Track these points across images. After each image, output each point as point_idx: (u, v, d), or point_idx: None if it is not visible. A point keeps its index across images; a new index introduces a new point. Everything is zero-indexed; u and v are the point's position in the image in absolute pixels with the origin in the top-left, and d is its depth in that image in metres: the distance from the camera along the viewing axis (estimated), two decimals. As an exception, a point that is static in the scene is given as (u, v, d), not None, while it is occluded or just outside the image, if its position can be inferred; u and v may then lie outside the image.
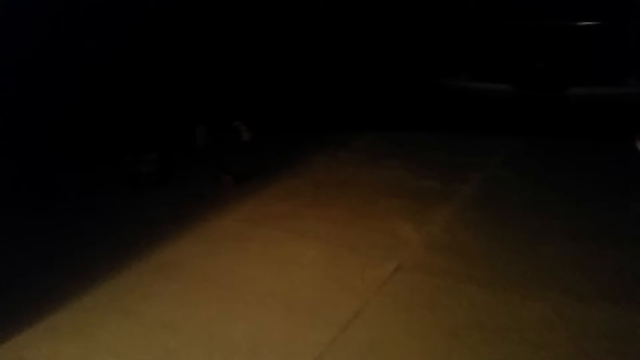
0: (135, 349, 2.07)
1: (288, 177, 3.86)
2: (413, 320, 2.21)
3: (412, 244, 2.85)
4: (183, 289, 2.46)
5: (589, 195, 3.35)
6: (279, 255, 2.78)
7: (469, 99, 7.05)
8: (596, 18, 7.52)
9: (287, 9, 5.82)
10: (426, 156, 4.28)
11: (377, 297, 2.38)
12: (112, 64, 4.27)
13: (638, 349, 1.98)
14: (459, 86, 7.36)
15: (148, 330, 2.18)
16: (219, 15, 5.07)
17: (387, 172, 3.95)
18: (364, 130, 5.03)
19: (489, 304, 2.29)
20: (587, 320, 2.15)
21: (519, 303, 2.28)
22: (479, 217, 3.15)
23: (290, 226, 3.10)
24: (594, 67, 7.23)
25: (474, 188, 3.58)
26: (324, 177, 3.91)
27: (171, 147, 4.08)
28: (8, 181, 3.62)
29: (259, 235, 3.01)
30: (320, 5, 6.25)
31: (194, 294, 2.43)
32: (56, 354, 2.05)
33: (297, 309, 2.31)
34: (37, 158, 3.90)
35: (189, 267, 2.67)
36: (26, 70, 3.81)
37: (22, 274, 2.62)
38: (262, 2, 5.53)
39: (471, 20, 7.70)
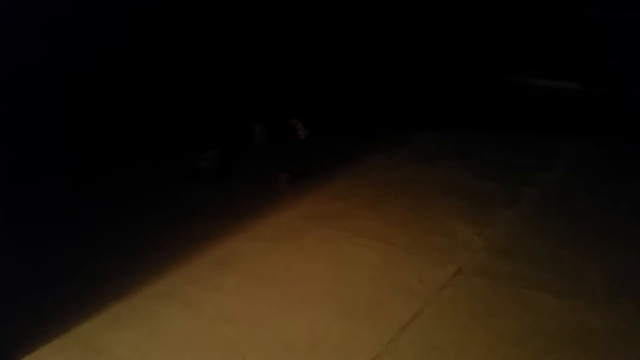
0: (196, 338, 2.13)
1: (344, 176, 3.85)
2: (474, 325, 2.14)
3: (473, 247, 2.77)
4: (241, 282, 2.51)
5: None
6: (335, 253, 2.78)
7: (535, 97, 6.79)
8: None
9: (348, 6, 5.81)
10: (488, 156, 4.16)
11: (436, 300, 2.32)
12: (176, 62, 4.43)
13: None
14: (524, 83, 7.11)
15: (208, 321, 2.23)
16: (278, 13, 5.13)
17: (446, 173, 3.87)
18: (423, 129, 4.94)
19: (555, 311, 2.19)
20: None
21: (588, 311, 2.16)
22: (546, 221, 3.01)
23: (346, 225, 3.09)
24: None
25: (539, 190, 3.44)
26: (381, 176, 3.87)
27: (231, 144, 4.17)
28: (72, 175, 3.84)
29: (315, 233, 3.01)
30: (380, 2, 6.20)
31: (252, 288, 2.47)
32: (120, 340, 2.13)
33: (354, 308, 2.29)
34: (106, 152, 4.11)
35: (247, 261, 2.71)
36: (96, 68, 4.02)
37: (91, 262, 2.75)
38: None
39: (537, 14, 7.40)
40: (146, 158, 4.25)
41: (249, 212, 3.28)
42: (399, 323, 2.16)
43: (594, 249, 2.66)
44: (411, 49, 6.41)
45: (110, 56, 4.09)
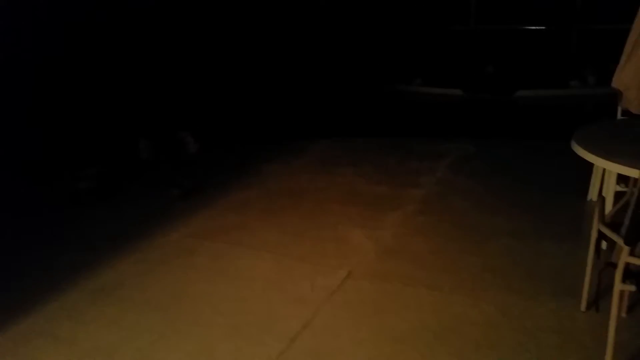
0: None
1: (239, 189, 3.80)
2: (361, 327, 2.18)
3: (363, 251, 2.83)
4: (121, 313, 2.35)
5: (532, 195, 3.43)
6: (228, 269, 2.71)
7: (422, 104, 7.21)
8: (542, 23, 7.84)
9: (239, 19, 5.79)
10: (379, 162, 4.30)
11: (326, 306, 2.34)
12: (45, 73, 4.09)
13: (579, 342, 2.01)
14: (411, 91, 7.52)
15: (82, 356, 2.06)
16: (160, 23, 4.97)
17: (341, 179, 3.95)
18: (320, 138, 5.02)
19: (436, 305, 2.29)
20: (529, 317, 2.17)
21: (465, 302, 2.29)
22: (429, 220, 3.17)
23: (240, 239, 3.03)
24: (541, 71, 7.53)
25: (424, 192, 3.61)
26: (276, 187, 3.87)
27: (112, 161, 3.94)
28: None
29: (207, 250, 2.93)
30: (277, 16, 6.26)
31: (134, 316, 2.32)
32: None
33: (245, 324, 2.24)
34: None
35: (129, 289, 2.55)
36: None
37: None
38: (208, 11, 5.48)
39: (422, 27, 7.89)
40: (28, 179, 3.89)
41: (134, 233, 3.12)
42: (290, 334, 2.14)
43: (470, 244, 2.83)
44: (304, 60, 6.52)
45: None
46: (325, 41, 7.06)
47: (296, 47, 6.46)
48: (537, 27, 7.86)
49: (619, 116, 2.93)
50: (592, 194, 3.24)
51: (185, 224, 3.25)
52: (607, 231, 1.87)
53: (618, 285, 1.73)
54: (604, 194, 2.78)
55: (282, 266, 2.72)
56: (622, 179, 2.68)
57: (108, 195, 3.66)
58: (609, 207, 2.59)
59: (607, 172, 2.82)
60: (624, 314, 2.12)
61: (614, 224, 1.86)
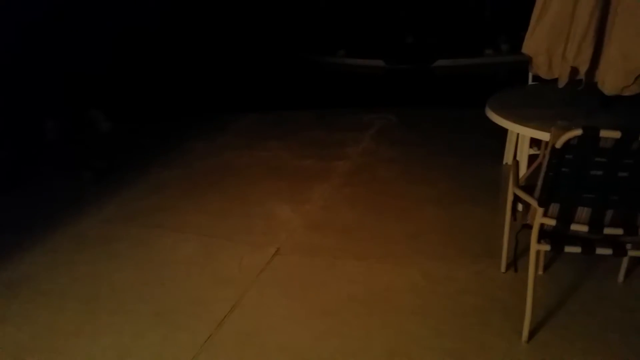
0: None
1: (159, 168, 3.61)
2: (291, 303, 2.15)
3: (291, 226, 2.79)
4: (33, 308, 2.17)
5: (453, 163, 3.54)
6: (150, 255, 2.58)
7: (346, 75, 7.21)
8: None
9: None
10: (305, 135, 4.25)
11: (255, 286, 2.29)
12: None
13: (500, 301, 2.10)
14: (336, 62, 7.50)
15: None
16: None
17: (267, 154, 3.86)
18: (244, 112, 4.88)
19: (364, 276, 2.31)
20: (453, 280, 2.24)
21: (391, 271, 2.33)
22: (355, 191, 3.18)
23: (162, 222, 2.89)
24: (458, 40, 7.75)
25: (350, 164, 3.61)
26: (200, 165, 3.72)
27: (15, 144, 3.59)
28: None
29: (127, 235, 2.76)
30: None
31: (49, 311, 2.15)
32: None
33: (170, 311, 2.14)
34: None
35: (40, 282, 2.36)
36: None
37: None
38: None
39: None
40: None
41: (46, 221, 2.88)
42: (217, 317, 2.07)
43: (395, 213, 2.88)
44: (227, 30, 6.27)
45: None
46: (249, 12, 6.83)
47: (218, 15, 6.19)
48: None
49: (530, 82, 3.06)
50: (508, 158, 3.39)
51: (101, 209, 3.05)
52: (521, 194, 1.94)
53: (534, 246, 1.80)
54: (517, 158, 2.91)
55: (208, 247, 2.62)
56: (534, 142, 2.81)
57: (14, 180, 3.34)
58: (523, 170, 2.72)
59: (520, 137, 2.95)
60: (540, 272, 2.24)
61: (528, 186, 1.94)
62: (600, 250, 1.76)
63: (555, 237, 1.80)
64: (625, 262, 2.17)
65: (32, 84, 4.17)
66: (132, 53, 5.06)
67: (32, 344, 1.97)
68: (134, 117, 4.53)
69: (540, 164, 2.09)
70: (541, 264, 2.25)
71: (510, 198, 2.08)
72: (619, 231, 1.72)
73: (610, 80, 2.13)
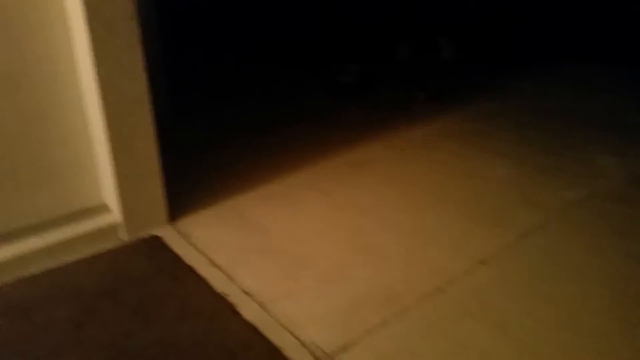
0: (330, 220, 2.43)
1: (485, 100, 3.86)
2: (597, 240, 2.16)
3: (611, 176, 2.69)
4: (373, 181, 2.76)
5: None
6: (466, 168, 2.88)
7: None
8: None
9: None
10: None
11: (563, 215, 2.36)
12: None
13: None
14: None
15: (341, 209, 2.52)
16: None
17: (595, 105, 3.68)
18: (576, 61, 4.63)
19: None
20: None
21: None
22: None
23: (481, 144, 3.15)
24: None
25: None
26: (523, 103, 3.81)
27: (373, 60, 4.30)
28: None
29: (450, 148, 3.13)
30: None
31: (383, 187, 2.70)
32: (267, 215, 2.51)
33: (479, 212, 2.41)
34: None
35: (380, 166, 2.94)
36: None
37: (253, 154, 3.20)
38: None
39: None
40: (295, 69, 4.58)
41: (384, 125, 3.49)
42: (521, 229, 2.25)
43: None
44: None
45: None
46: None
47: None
48: None
49: None
50: None
51: (429, 124, 3.49)
52: None
53: None
54: None
55: (521, 174, 2.77)
56: None
57: (365, 90, 4.10)
58: None
59: None
60: None
61: None
62: None
63: None
64: None
65: (392, 8, 4.78)
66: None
67: (371, 207, 2.53)
68: (475, 52, 4.78)
69: None
70: None
71: None
72: None
73: None
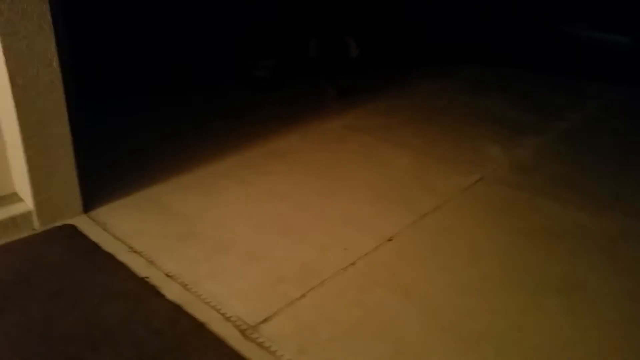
0: (249, 207, 2.54)
1: (389, 97, 4.14)
2: (487, 218, 2.47)
3: (498, 163, 3.05)
4: (289, 169, 2.90)
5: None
6: (375, 157, 3.11)
7: (586, 47, 6.69)
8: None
9: None
10: (528, 92, 4.34)
11: (457, 198, 2.65)
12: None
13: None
14: (578, 34, 6.99)
15: (260, 196, 2.64)
16: None
17: (486, 102, 4.10)
18: (471, 63, 5.11)
19: (560, 216, 2.48)
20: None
21: (587, 218, 2.45)
22: (569, 149, 3.25)
23: (387, 136, 3.40)
24: None
25: (569, 125, 3.64)
26: (423, 100, 4.13)
27: (287, 56, 4.46)
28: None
29: (359, 139, 3.35)
30: None
31: (299, 175, 2.85)
32: (185, 202, 2.56)
33: (386, 196, 2.64)
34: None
35: (296, 155, 3.09)
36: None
37: (167, 143, 3.20)
38: None
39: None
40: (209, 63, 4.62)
41: (297, 118, 3.65)
42: (422, 211, 2.50)
43: (605, 173, 2.94)
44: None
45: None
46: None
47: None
48: None
49: None
50: None
51: (339, 118, 3.70)
52: None
53: None
54: None
55: (421, 163, 3.05)
56: None
57: (280, 85, 4.23)
58: None
59: None
60: None
61: None
62: None
63: None
64: None
65: (307, 7, 4.95)
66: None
67: (288, 193, 2.67)
68: (375, 51, 5.09)
69: None
70: None
71: None
72: None
73: None
